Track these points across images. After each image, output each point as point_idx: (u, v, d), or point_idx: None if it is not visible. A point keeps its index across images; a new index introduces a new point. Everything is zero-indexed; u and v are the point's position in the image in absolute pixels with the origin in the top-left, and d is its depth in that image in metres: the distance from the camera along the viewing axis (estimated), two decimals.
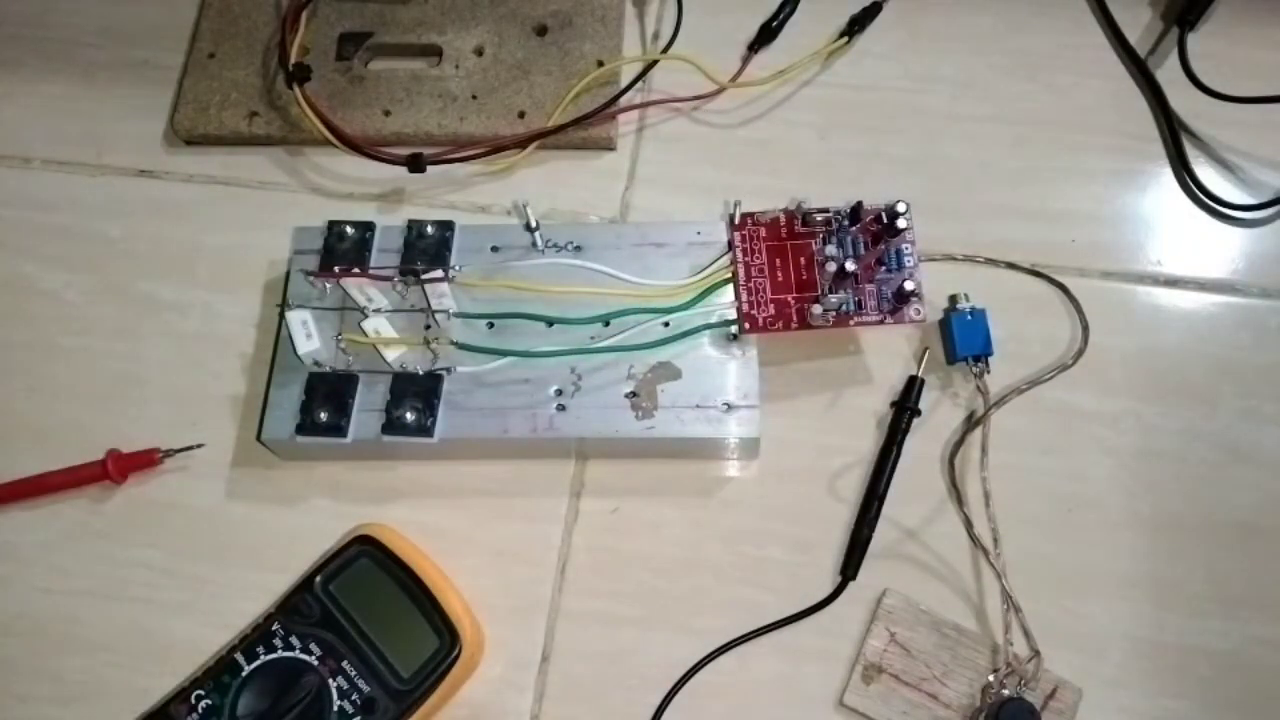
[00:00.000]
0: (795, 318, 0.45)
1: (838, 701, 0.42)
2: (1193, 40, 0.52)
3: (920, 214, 0.47)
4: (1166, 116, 0.51)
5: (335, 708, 0.40)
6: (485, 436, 0.44)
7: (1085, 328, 0.46)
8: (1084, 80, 0.53)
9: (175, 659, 0.43)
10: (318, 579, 0.42)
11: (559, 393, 0.44)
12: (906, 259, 0.45)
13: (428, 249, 0.46)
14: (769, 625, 0.43)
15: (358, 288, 0.45)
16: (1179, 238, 0.49)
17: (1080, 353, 0.46)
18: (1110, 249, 0.49)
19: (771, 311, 0.45)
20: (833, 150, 0.52)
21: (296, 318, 0.45)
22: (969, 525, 0.44)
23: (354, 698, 0.41)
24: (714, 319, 0.45)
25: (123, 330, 0.49)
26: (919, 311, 0.44)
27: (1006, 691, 0.41)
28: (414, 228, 0.47)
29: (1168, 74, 0.52)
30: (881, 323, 0.45)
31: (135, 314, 0.50)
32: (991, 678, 0.42)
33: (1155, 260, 0.49)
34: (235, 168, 0.52)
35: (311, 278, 0.45)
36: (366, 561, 0.43)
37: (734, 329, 0.45)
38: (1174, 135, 0.51)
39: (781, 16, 0.54)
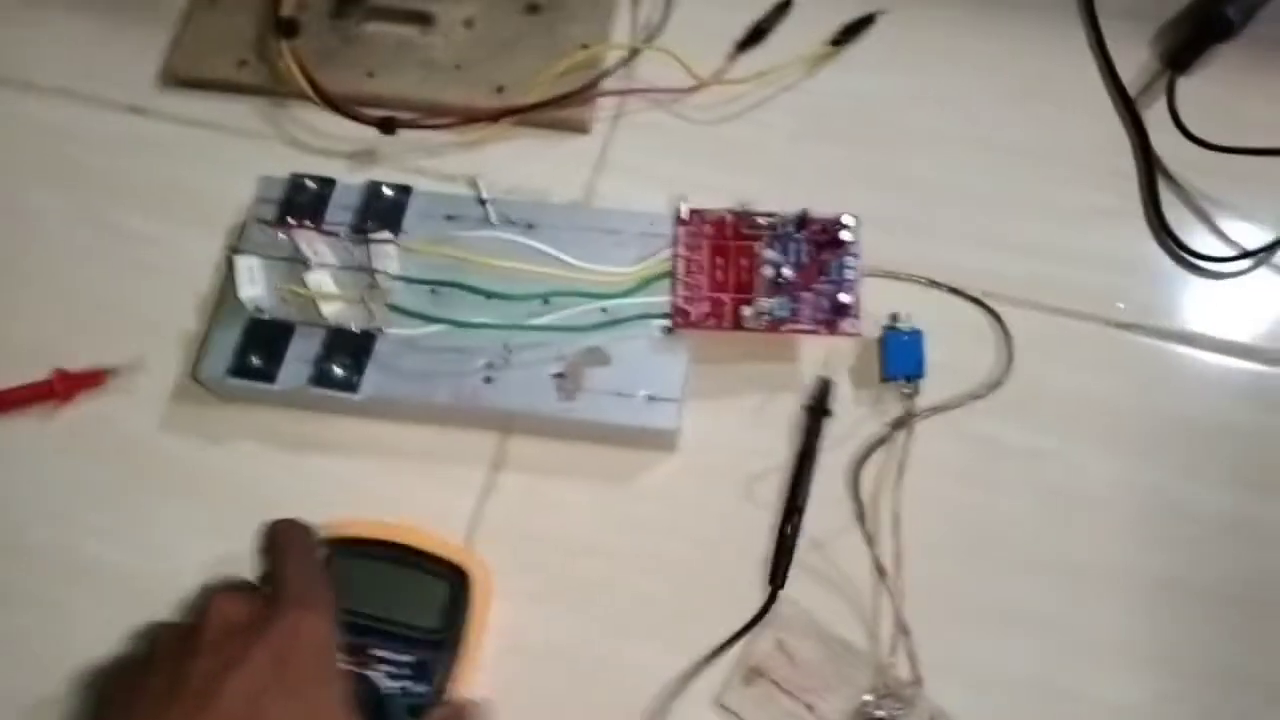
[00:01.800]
0: (729, 318, 0.45)
1: (715, 700, 0.42)
2: (1185, 85, 0.51)
3: (879, 230, 0.47)
4: (1147, 158, 0.50)
5: (389, 691, 0.40)
6: (409, 399, 0.45)
7: (1010, 359, 0.46)
8: (1069, 114, 0.52)
9: (95, 577, 0.45)
10: None
11: (488, 365, 0.45)
12: (848, 272, 0.45)
13: (382, 210, 0.47)
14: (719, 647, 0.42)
15: (306, 241, 0.46)
16: (1140, 282, 0.48)
17: (997, 384, 0.45)
18: (1066, 286, 0.48)
19: (706, 309, 0.45)
20: (804, 157, 0.51)
21: (244, 263, 0.46)
22: (870, 543, 0.43)
23: (403, 672, 0.40)
24: (651, 311, 0.46)
25: (91, 256, 0.51)
26: (854, 325, 0.44)
27: (881, 714, 0.41)
28: (372, 189, 0.48)
29: (1156, 116, 0.51)
30: (815, 333, 0.45)
31: (106, 242, 0.51)
32: (868, 697, 0.41)
33: (1111, 302, 0.48)
34: (220, 113, 0.54)
35: (266, 226, 0.47)
36: (342, 560, 0.42)
37: (667, 323, 0.45)
38: (1151, 178, 0.50)
39: (773, 18, 0.54)
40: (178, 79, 0.54)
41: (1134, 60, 0.53)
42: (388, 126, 0.50)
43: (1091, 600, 0.43)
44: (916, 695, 0.41)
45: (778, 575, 0.44)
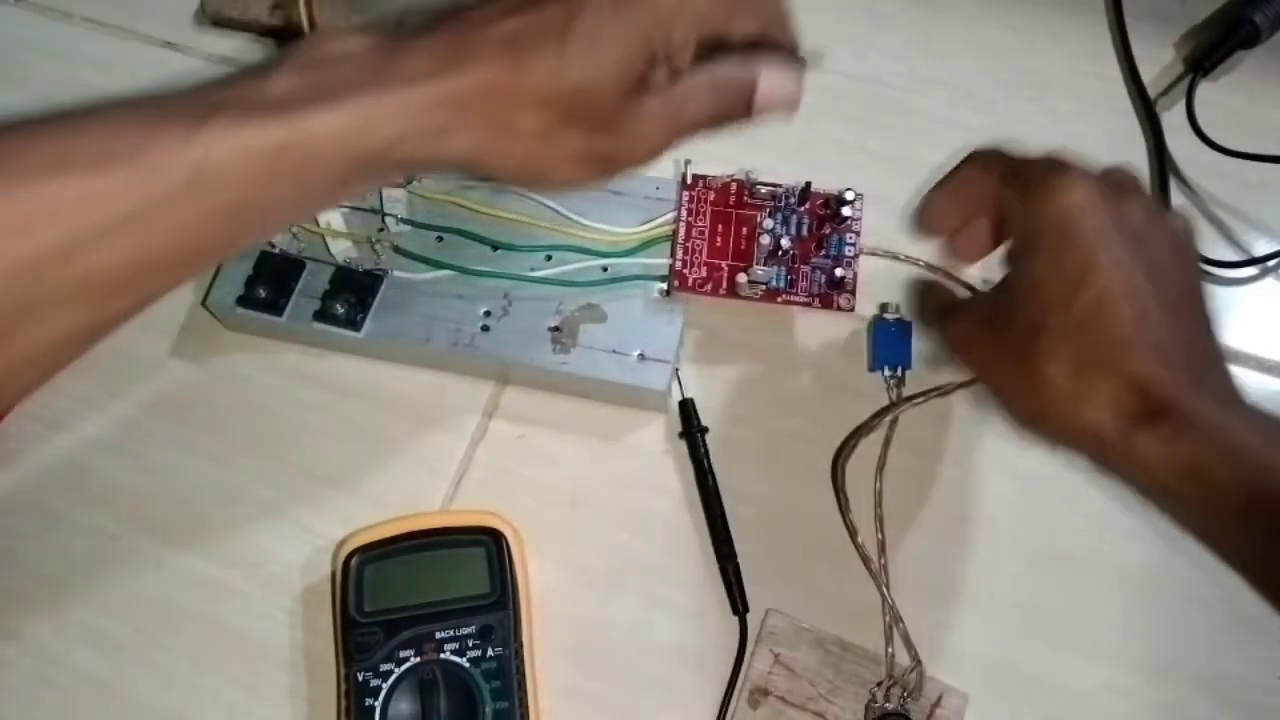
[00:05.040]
0: (725, 284, 0.45)
1: None
2: (1206, 89, 0.51)
3: (884, 211, 0.47)
4: (1160, 160, 0.50)
5: (467, 666, 0.41)
6: (409, 341, 0.46)
7: None
8: (1087, 110, 0.52)
9: (90, 486, 0.46)
10: (351, 612, 0.41)
11: (487, 314, 0.46)
12: (847, 248, 0.46)
13: None
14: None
15: None
16: None
17: None
18: None
19: (703, 274, 0.46)
20: (816, 135, 0.52)
21: None
22: (853, 534, 0.43)
23: (470, 644, 0.41)
24: (650, 273, 0.46)
25: None
26: (848, 301, 0.45)
27: (891, 705, 0.41)
28: None
29: (1173, 118, 0.51)
30: (809, 306, 0.45)
31: None
32: (875, 690, 0.41)
33: None
34: (251, 55, 0.55)
35: None
36: (369, 565, 0.42)
37: (665, 285, 0.46)
38: (1163, 179, 0.50)
39: None
40: (213, 19, 0.56)
41: (1156, 61, 0.53)
42: None
43: (1063, 589, 0.43)
44: (920, 678, 0.41)
45: (736, 604, 0.43)
